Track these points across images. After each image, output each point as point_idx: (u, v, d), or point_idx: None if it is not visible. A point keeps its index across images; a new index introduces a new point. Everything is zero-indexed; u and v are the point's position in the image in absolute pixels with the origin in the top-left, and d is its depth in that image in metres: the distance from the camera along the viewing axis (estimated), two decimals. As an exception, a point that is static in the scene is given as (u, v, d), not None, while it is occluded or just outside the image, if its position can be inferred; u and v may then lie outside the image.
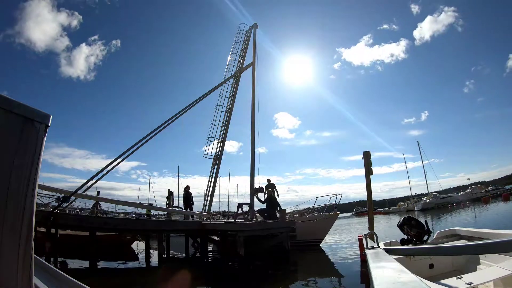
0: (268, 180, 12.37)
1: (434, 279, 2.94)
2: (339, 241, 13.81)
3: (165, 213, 15.46)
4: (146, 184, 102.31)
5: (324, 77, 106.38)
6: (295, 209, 13.60)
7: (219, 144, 12.90)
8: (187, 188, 12.54)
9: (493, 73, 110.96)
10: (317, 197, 12.50)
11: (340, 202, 11.90)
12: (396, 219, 23.81)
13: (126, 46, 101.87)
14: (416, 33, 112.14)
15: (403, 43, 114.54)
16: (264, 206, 11.33)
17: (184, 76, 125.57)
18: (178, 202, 29.54)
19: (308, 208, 13.35)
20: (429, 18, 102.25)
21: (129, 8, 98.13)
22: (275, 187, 12.06)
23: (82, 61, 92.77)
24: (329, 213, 11.73)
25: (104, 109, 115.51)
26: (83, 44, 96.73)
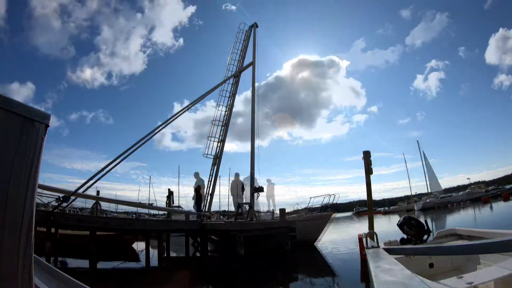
0: (269, 180, 12.39)
1: (434, 278, 2.94)
2: (339, 240, 13.81)
3: (165, 212, 15.44)
4: (146, 185, 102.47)
5: (322, 78, 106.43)
6: (294, 209, 13.65)
7: (219, 143, 12.90)
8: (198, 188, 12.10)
9: (489, 75, 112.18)
10: (311, 197, 12.55)
11: (340, 202, 11.94)
12: (396, 218, 23.81)
13: (129, 50, 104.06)
14: (409, 39, 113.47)
15: (396, 48, 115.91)
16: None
17: (184, 76, 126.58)
18: (179, 202, 29.67)
19: (305, 208, 13.38)
20: (422, 24, 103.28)
21: (130, 10, 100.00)
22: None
23: (88, 70, 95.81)
24: (325, 213, 11.76)
25: (105, 110, 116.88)
26: (92, 54, 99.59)
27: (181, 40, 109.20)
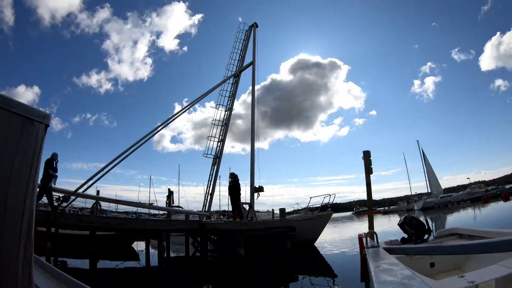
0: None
1: (435, 278, 2.94)
2: (339, 240, 13.82)
3: (165, 212, 15.44)
4: (146, 185, 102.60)
5: (323, 81, 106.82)
6: (293, 209, 13.66)
7: (219, 143, 12.90)
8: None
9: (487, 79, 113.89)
10: (310, 197, 12.54)
11: (340, 202, 11.98)
12: (396, 218, 23.82)
13: (135, 56, 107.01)
14: (410, 43, 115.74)
15: (397, 51, 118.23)
16: None
17: (187, 80, 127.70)
18: (179, 201, 29.65)
19: (305, 208, 13.38)
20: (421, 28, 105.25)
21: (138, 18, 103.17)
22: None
23: (94, 75, 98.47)
24: (323, 212, 11.78)
25: (108, 113, 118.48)
26: (98, 59, 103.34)
27: (185, 47, 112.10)
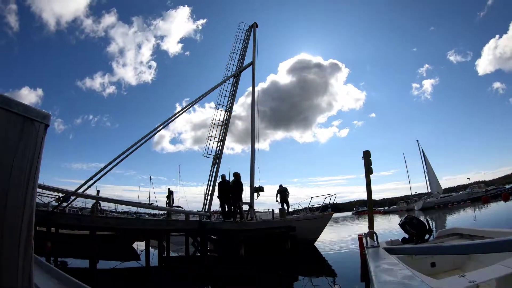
0: (280, 185, 12.57)
1: (436, 277, 2.94)
2: (339, 240, 13.81)
3: (165, 212, 15.43)
4: (146, 185, 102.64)
5: (323, 82, 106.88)
6: (294, 209, 13.67)
7: (219, 143, 12.89)
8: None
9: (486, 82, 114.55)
10: (311, 197, 12.57)
11: (340, 202, 12.02)
12: (396, 218, 23.83)
13: (138, 59, 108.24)
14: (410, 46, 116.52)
15: (397, 54, 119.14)
16: None
17: (184, 76, 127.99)
18: (179, 201, 29.64)
19: (305, 208, 13.40)
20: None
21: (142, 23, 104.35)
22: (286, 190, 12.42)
23: (98, 78, 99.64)
24: (324, 212, 11.79)
25: (109, 112, 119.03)
26: (101, 62, 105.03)
27: (188, 51, 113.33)
